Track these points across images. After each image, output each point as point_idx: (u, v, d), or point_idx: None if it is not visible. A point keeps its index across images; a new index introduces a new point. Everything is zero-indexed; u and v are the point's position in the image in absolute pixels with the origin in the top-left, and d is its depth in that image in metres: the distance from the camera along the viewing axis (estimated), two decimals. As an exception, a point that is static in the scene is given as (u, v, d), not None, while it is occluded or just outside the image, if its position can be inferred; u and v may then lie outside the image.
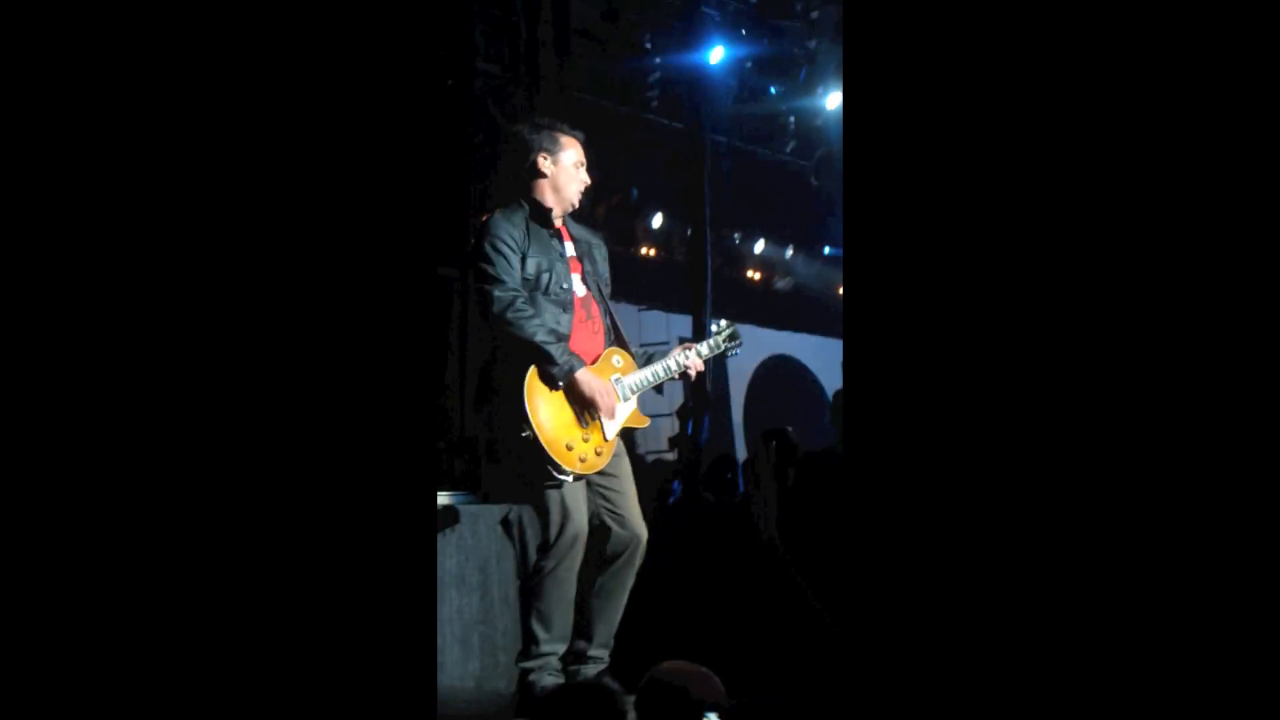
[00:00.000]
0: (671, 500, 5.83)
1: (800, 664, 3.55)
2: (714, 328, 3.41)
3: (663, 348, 3.36)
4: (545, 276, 3.08)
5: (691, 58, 7.56)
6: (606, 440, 3.10)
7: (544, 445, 2.98)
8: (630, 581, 3.17)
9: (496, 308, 3.01)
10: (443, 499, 4.09)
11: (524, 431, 2.97)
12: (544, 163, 3.17)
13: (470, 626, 3.83)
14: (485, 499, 4.16)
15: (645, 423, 3.25)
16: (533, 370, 2.99)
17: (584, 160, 3.23)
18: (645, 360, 3.24)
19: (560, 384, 3.02)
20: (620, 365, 3.18)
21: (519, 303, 3.02)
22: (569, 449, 3.01)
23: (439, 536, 3.82)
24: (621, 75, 7.48)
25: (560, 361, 3.00)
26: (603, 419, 3.09)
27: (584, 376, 3.04)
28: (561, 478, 3.00)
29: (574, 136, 3.24)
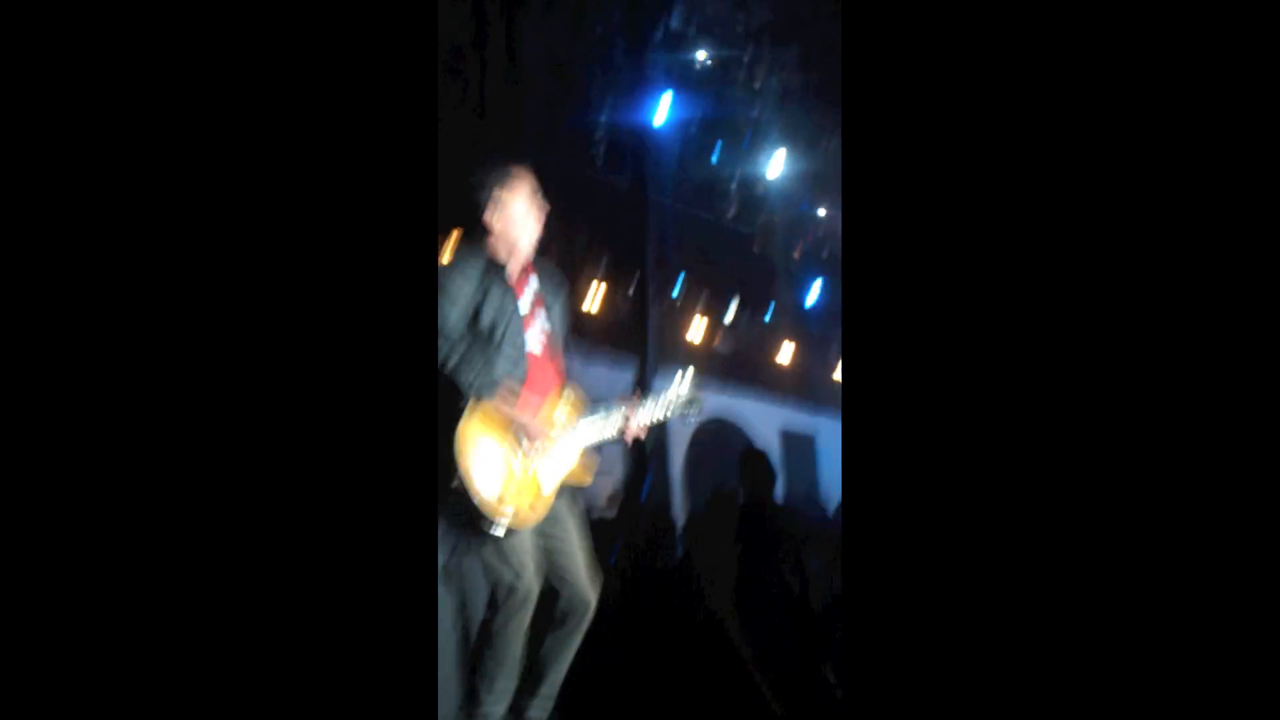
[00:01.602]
0: (612, 561, 5.75)
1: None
2: (675, 386, 3.33)
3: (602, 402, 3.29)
4: (499, 331, 2.97)
5: (637, 117, 7.62)
6: (543, 495, 2.99)
7: (472, 495, 2.89)
8: (575, 644, 3.05)
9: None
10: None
11: (453, 481, 2.89)
12: (491, 217, 3.07)
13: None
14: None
15: (588, 481, 3.12)
16: (467, 416, 2.91)
17: (536, 190, 3.11)
18: (592, 411, 3.14)
19: (472, 403, 2.90)
20: (562, 420, 3.10)
21: (445, 350, 2.94)
22: (500, 500, 2.91)
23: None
24: (567, 131, 7.52)
25: (472, 386, 2.89)
26: (537, 469, 3.01)
27: (502, 407, 2.93)
28: (495, 530, 2.89)
29: (520, 170, 3.11)
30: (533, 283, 3.10)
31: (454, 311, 2.96)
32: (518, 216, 3.05)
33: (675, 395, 3.20)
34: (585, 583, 3.03)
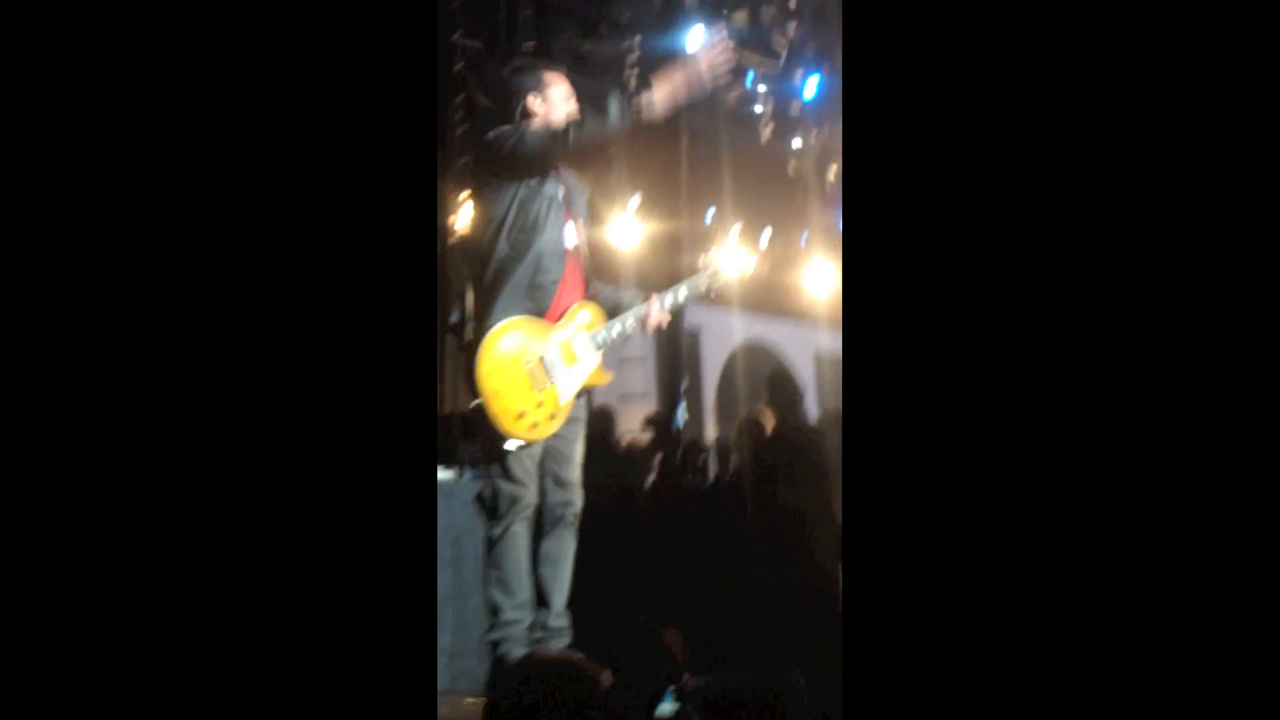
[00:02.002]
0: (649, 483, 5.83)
1: (771, 648, 3.56)
2: (700, 263, 3.32)
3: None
4: (542, 224, 3.01)
5: (670, 40, 7.52)
6: (561, 404, 3.04)
7: (492, 415, 2.92)
8: (572, 544, 3.13)
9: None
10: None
11: (473, 400, 2.92)
12: (534, 102, 3.11)
13: (443, 602, 3.81)
14: (460, 474, 4.14)
15: (607, 379, 3.17)
16: (488, 336, 2.93)
17: (572, 92, 3.16)
18: (613, 310, 3.18)
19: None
20: (587, 321, 3.12)
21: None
22: (520, 416, 2.95)
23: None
24: (601, 55, 7.44)
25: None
26: (556, 382, 3.01)
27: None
28: (508, 448, 2.96)
29: (556, 70, 3.19)
30: (565, 179, 3.13)
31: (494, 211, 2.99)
32: (557, 100, 3.11)
33: (695, 279, 3.27)
34: (575, 481, 3.11)
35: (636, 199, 8.26)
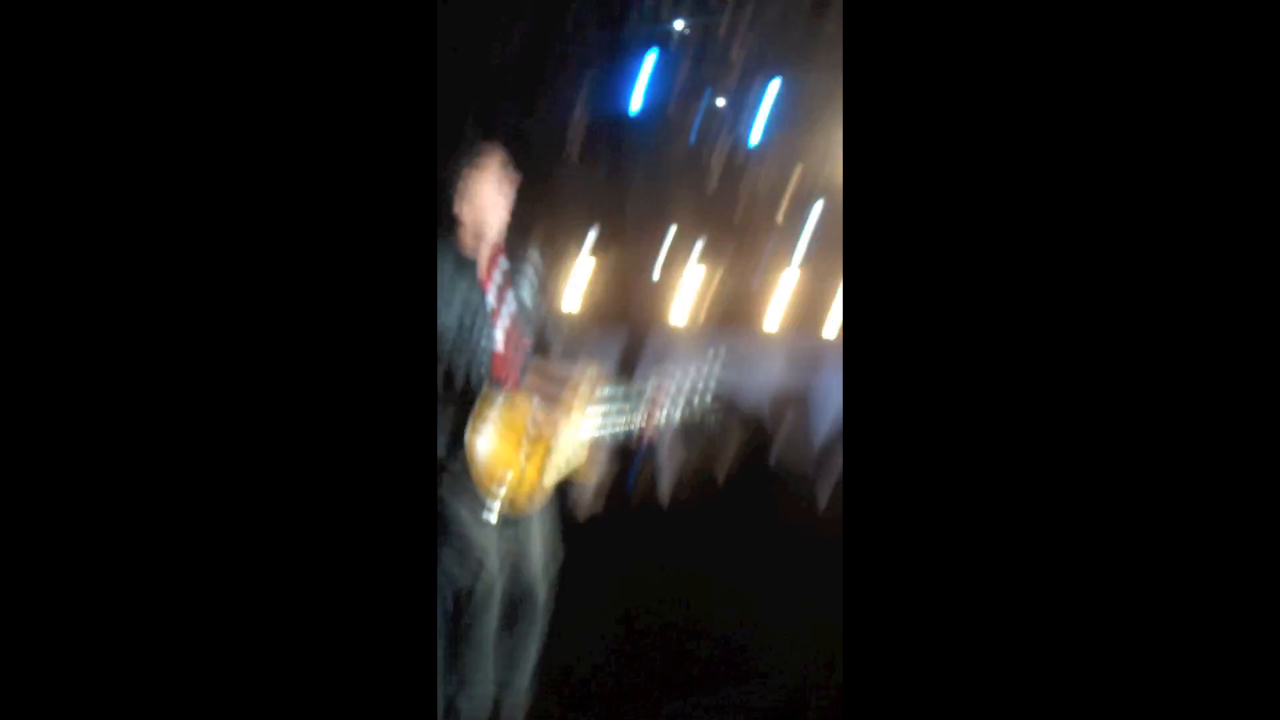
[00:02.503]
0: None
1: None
2: (703, 370, 3.16)
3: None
4: (466, 331, 3.00)
5: (612, 106, 7.66)
6: (543, 487, 3.01)
7: (474, 474, 2.89)
8: (534, 645, 3.12)
9: None
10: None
11: (455, 462, 2.88)
12: (459, 208, 3.06)
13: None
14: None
15: (592, 478, 3.15)
16: (483, 405, 2.91)
17: (505, 162, 3.08)
18: (612, 395, 3.11)
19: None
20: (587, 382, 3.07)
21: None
22: (499, 485, 2.92)
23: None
24: (544, 131, 7.59)
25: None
26: (543, 466, 2.96)
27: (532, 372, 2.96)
28: (486, 516, 2.93)
29: (489, 143, 3.11)
30: (500, 267, 3.11)
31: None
32: (486, 200, 3.05)
33: (702, 385, 3.09)
34: (539, 579, 3.06)
35: (592, 236, 8.36)
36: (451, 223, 3.06)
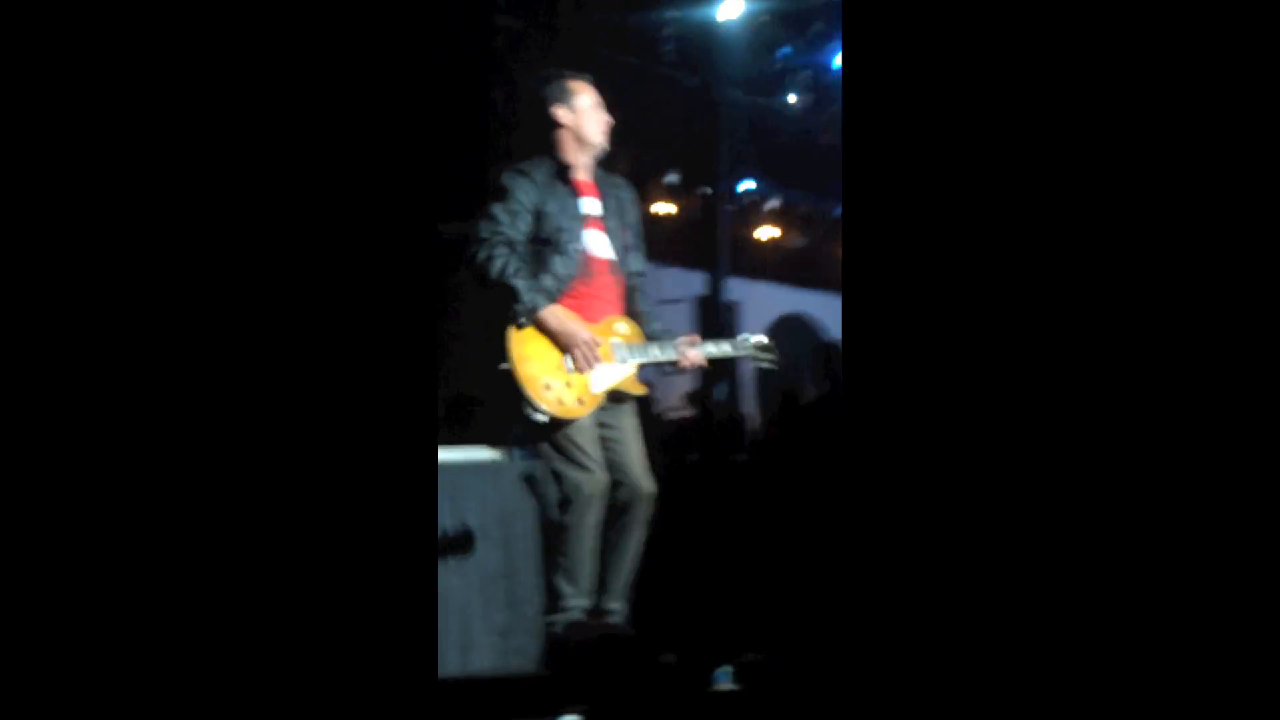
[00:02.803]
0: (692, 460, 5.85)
1: (811, 623, 3.59)
2: (747, 339, 3.30)
3: (673, 308, 3.30)
4: (559, 235, 3.05)
5: (706, 12, 7.50)
6: (591, 392, 3.05)
7: (520, 381, 2.94)
8: (638, 535, 3.14)
9: (471, 249, 3.00)
10: (461, 454, 4.10)
11: (501, 364, 2.95)
12: (561, 113, 3.13)
13: (493, 581, 3.85)
14: (510, 454, 4.18)
15: (641, 390, 3.19)
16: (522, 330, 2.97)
17: (599, 100, 3.17)
18: (653, 337, 3.19)
19: (523, 322, 2.97)
20: (624, 332, 3.15)
21: (498, 248, 2.99)
22: (546, 388, 2.97)
23: (461, 492, 3.85)
24: (636, 29, 7.43)
25: (524, 299, 2.96)
26: (583, 367, 3.04)
27: (550, 315, 2.99)
28: (538, 416, 2.97)
29: (582, 79, 3.18)
30: (603, 184, 3.17)
31: (516, 216, 3.02)
32: (586, 111, 3.12)
33: (743, 342, 3.25)
34: (640, 471, 3.11)
35: (673, 175, 8.27)
36: (553, 125, 3.11)
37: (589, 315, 3.09)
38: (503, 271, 2.97)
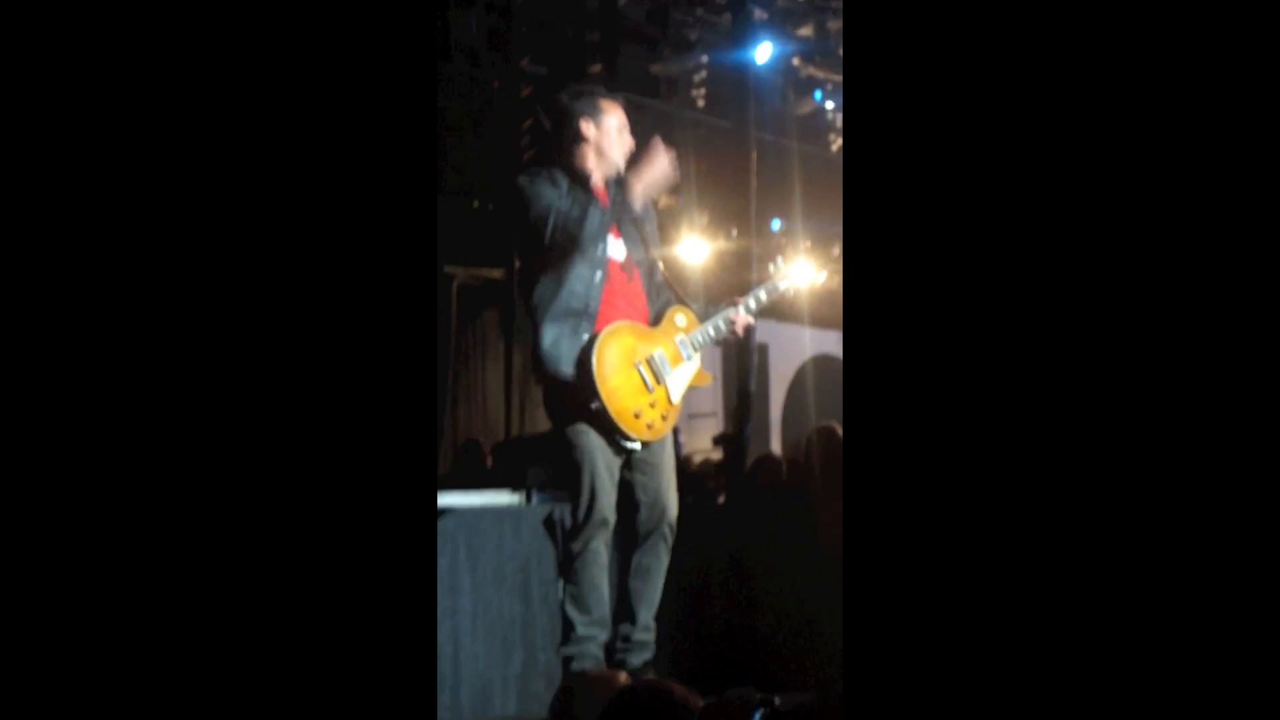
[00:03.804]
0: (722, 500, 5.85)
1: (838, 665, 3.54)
2: (771, 269, 3.43)
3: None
4: (581, 238, 3.04)
5: (738, 56, 7.55)
6: (672, 404, 3.11)
7: (613, 416, 2.98)
8: (665, 559, 3.15)
9: (549, 226, 3.05)
10: (480, 498, 4.13)
11: (593, 403, 2.98)
12: (586, 127, 3.14)
13: (511, 626, 3.86)
14: (528, 498, 4.21)
15: (709, 380, 3.26)
16: (597, 342, 3.01)
17: (626, 123, 3.20)
18: (705, 317, 3.26)
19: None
20: (684, 324, 3.20)
21: (557, 342, 3.04)
22: (636, 416, 3.02)
23: (480, 536, 3.87)
24: (668, 75, 7.49)
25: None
26: (667, 381, 3.09)
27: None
28: (630, 446, 3.03)
29: (614, 100, 3.22)
30: (615, 194, 3.17)
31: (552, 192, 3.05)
32: (612, 132, 3.14)
33: (772, 282, 3.36)
34: (669, 495, 3.14)
35: (703, 215, 8.30)
36: (576, 135, 3.14)
37: (629, 316, 3.12)
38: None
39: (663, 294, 3.24)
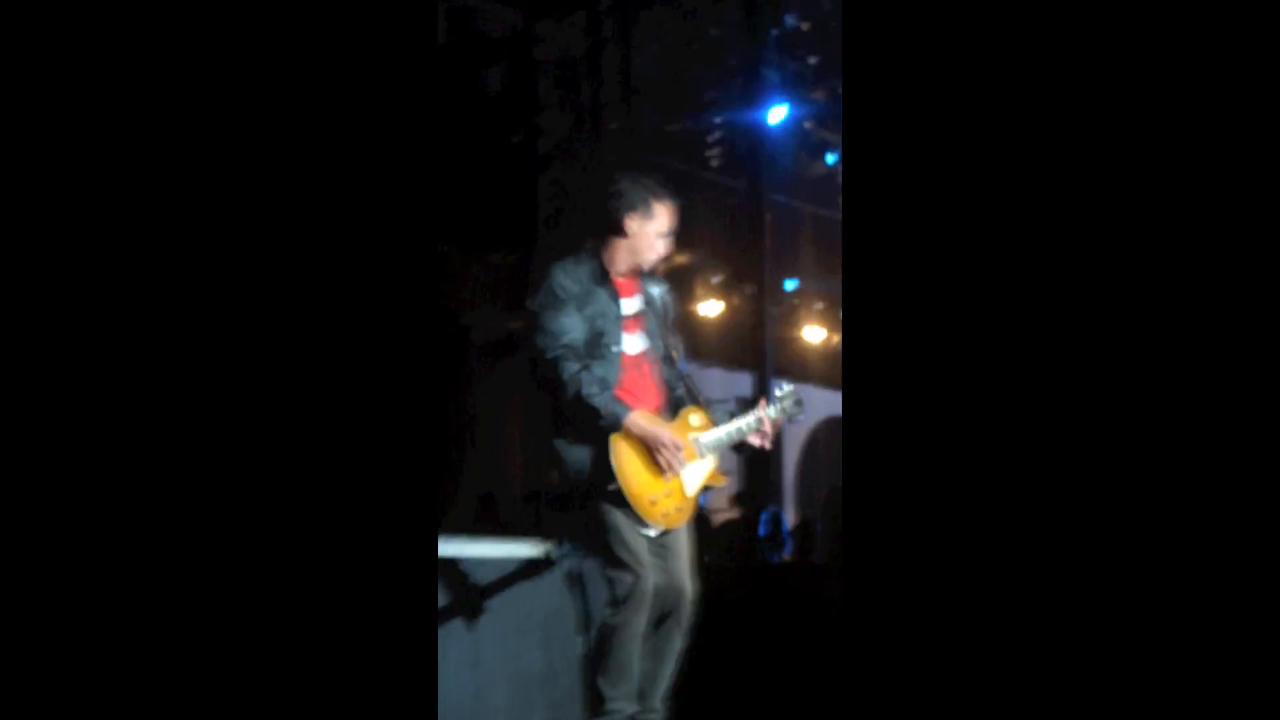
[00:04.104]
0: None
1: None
2: (777, 391, 3.31)
3: (726, 405, 3.32)
4: (596, 336, 3.05)
5: (752, 117, 7.61)
6: (687, 497, 3.08)
7: (630, 499, 2.96)
8: (679, 641, 3.11)
9: (542, 368, 3.01)
10: (501, 549, 4.07)
11: (610, 485, 2.96)
12: (631, 223, 3.10)
13: (531, 682, 3.79)
14: (549, 552, 4.14)
15: (723, 482, 3.22)
16: (622, 433, 2.99)
17: (672, 229, 3.16)
18: (726, 417, 3.21)
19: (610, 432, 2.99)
20: (698, 424, 3.16)
21: (567, 364, 2.99)
22: (653, 504, 3.00)
23: (502, 587, 3.81)
24: (682, 134, 7.54)
25: (605, 415, 2.97)
26: (681, 474, 3.06)
27: (635, 420, 3.01)
28: (647, 533, 3.00)
29: (669, 203, 3.15)
30: (639, 289, 3.17)
31: (568, 310, 3.03)
32: (652, 232, 3.11)
33: (781, 404, 3.27)
34: (686, 575, 3.11)
35: (718, 276, 8.32)
36: (617, 228, 3.12)
37: (637, 408, 3.09)
38: (579, 393, 2.98)
39: (678, 386, 3.21)
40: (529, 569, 3.90)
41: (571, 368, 2.99)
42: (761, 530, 6.13)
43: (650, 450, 3.02)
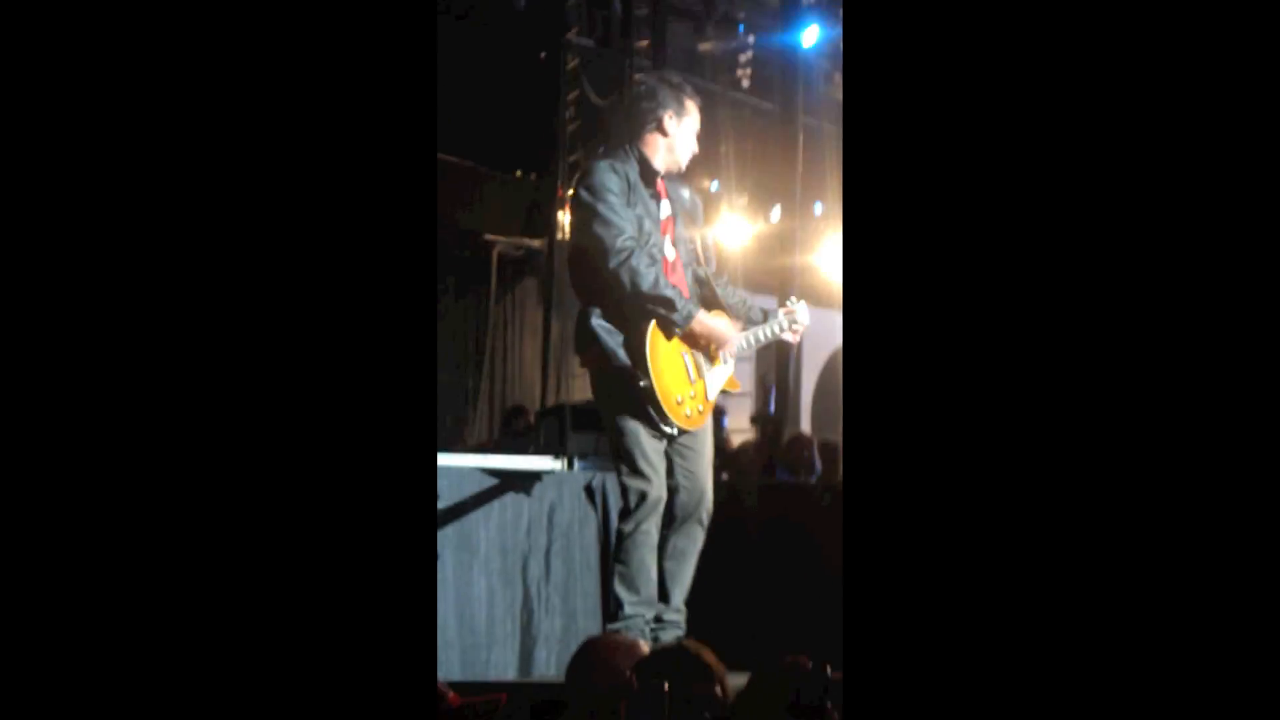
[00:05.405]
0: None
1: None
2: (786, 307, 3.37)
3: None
4: (645, 236, 3.08)
5: (785, 39, 7.49)
6: (709, 400, 3.14)
7: (659, 395, 3.00)
8: (700, 540, 3.19)
9: (614, 260, 3.00)
10: (524, 463, 4.14)
11: (642, 381, 2.99)
12: (669, 121, 3.15)
13: (554, 590, 3.88)
14: (570, 464, 4.21)
15: (738, 387, 3.31)
16: (652, 326, 3.03)
17: (699, 129, 3.23)
18: (746, 325, 3.27)
19: (679, 331, 3.03)
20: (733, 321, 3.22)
21: (637, 252, 3.01)
22: (679, 403, 3.05)
23: (524, 501, 3.88)
24: (714, 54, 7.45)
25: (680, 308, 3.01)
26: (706, 377, 3.11)
27: (703, 319, 3.08)
28: (668, 430, 3.05)
29: (697, 101, 3.24)
30: (673, 190, 3.25)
31: (620, 203, 3.06)
32: (688, 130, 3.19)
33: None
34: (706, 479, 3.21)
35: (745, 198, 8.25)
36: (656, 127, 3.14)
37: None
38: (655, 283, 3.01)
39: (704, 289, 3.25)
40: (550, 483, 3.98)
41: (645, 259, 3.02)
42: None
43: (695, 348, 3.07)
